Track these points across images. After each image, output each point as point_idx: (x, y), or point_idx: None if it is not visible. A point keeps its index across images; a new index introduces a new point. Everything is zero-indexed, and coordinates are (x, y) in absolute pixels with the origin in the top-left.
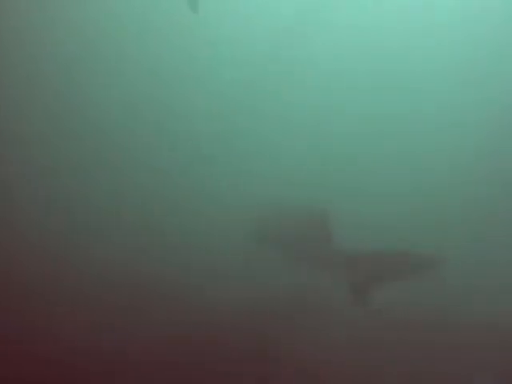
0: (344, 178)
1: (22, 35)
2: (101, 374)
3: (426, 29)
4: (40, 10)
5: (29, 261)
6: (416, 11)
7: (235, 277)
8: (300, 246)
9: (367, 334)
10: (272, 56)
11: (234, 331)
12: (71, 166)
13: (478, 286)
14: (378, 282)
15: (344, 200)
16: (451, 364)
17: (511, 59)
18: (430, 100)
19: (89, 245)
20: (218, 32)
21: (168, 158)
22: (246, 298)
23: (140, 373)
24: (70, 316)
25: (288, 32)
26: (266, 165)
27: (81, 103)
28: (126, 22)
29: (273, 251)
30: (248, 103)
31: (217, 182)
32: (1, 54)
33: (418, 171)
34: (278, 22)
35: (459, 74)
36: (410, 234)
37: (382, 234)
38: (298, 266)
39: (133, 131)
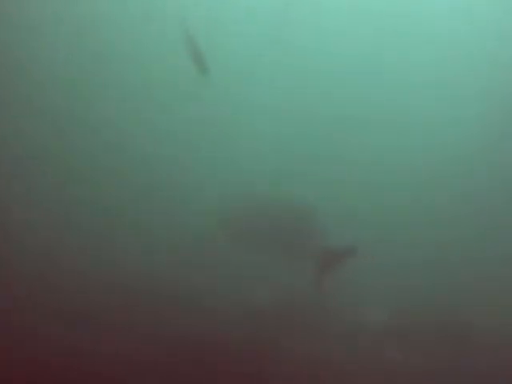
0: (338, 174)
1: (9, 35)
2: (92, 375)
3: (426, 19)
4: (32, 10)
5: (18, 261)
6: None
7: (232, 277)
8: (284, 241)
9: (367, 333)
10: (263, 47)
11: (233, 331)
12: (60, 166)
13: (478, 286)
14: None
15: (341, 197)
16: (452, 364)
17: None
18: (429, 93)
19: (76, 244)
20: (209, 25)
21: (156, 156)
22: (245, 299)
23: (134, 373)
24: (60, 316)
25: (279, 23)
26: (253, 162)
27: (71, 102)
28: (117, 22)
29: (258, 248)
30: (235, 96)
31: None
32: None
33: (416, 166)
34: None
35: (458, 68)
36: (409, 231)
37: (379, 230)
38: (284, 262)
39: (123, 129)
